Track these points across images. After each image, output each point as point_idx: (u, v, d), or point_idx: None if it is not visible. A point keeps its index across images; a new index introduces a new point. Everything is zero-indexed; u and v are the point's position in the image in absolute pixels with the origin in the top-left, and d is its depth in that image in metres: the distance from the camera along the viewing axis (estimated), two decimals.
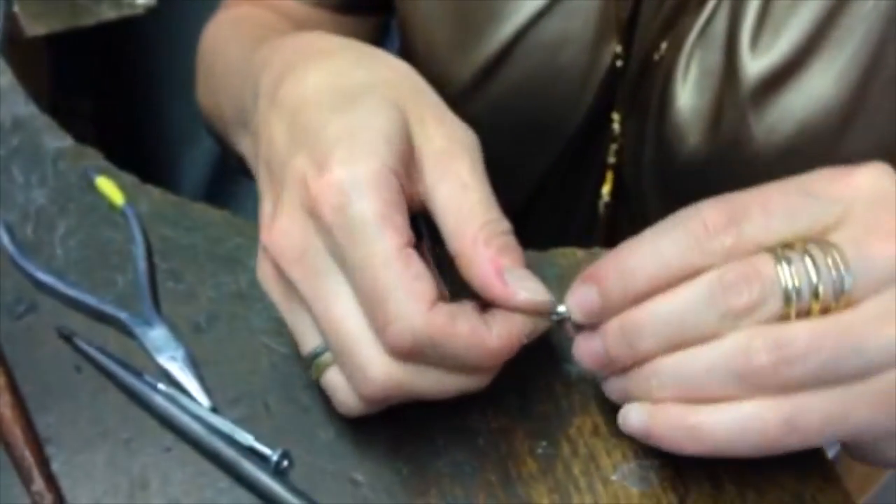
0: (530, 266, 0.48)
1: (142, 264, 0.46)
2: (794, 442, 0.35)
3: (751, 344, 0.34)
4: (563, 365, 0.44)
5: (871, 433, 0.36)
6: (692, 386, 0.35)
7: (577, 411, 0.43)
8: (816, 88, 0.49)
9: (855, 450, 0.40)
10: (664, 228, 0.36)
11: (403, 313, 0.35)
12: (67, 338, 0.44)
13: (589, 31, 0.53)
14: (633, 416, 0.37)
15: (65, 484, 0.40)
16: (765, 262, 0.34)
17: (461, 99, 0.57)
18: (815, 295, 0.34)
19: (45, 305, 0.46)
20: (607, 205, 0.60)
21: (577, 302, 0.38)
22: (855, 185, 0.35)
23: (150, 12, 0.66)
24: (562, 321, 0.39)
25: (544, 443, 0.42)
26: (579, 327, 0.39)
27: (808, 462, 0.41)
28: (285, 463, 0.41)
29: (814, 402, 0.34)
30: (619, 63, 0.54)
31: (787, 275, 0.34)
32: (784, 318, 0.34)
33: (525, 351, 0.45)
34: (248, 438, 0.41)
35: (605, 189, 0.60)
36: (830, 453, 0.79)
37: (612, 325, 0.37)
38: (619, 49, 0.54)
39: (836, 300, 0.34)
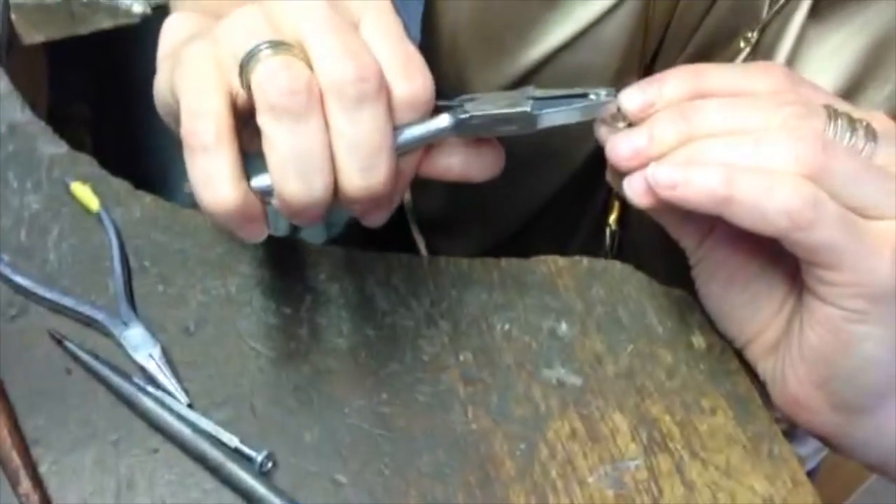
0: (513, 274, 0.49)
1: (117, 266, 0.47)
2: (811, 225, 0.36)
3: (808, 120, 0.38)
4: (542, 370, 0.45)
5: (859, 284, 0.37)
6: (742, 153, 0.37)
7: (556, 415, 0.44)
8: None
9: (843, 438, 0.42)
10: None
11: None
12: (59, 340, 0.45)
13: (611, 66, 0.54)
14: (665, 170, 0.38)
15: (53, 484, 0.41)
16: (818, 106, 0.39)
17: None
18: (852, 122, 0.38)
19: (37, 308, 0.46)
20: (614, 233, 0.61)
21: (636, 90, 0.40)
22: None
23: (146, 20, 0.67)
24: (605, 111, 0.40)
25: (523, 445, 0.43)
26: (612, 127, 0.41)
27: (779, 466, 0.42)
28: (269, 464, 0.42)
29: (835, 207, 0.37)
30: None
31: (833, 125, 0.38)
32: None
33: (506, 355, 0.46)
34: (233, 440, 0.42)
35: (612, 217, 0.61)
36: (813, 462, 0.81)
37: (666, 111, 0.39)
38: None
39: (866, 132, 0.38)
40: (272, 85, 0.35)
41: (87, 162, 0.53)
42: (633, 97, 0.40)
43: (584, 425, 0.44)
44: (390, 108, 0.37)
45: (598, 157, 0.58)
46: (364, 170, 0.37)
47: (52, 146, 0.54)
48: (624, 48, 0.53)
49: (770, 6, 0.49)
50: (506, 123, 0.39)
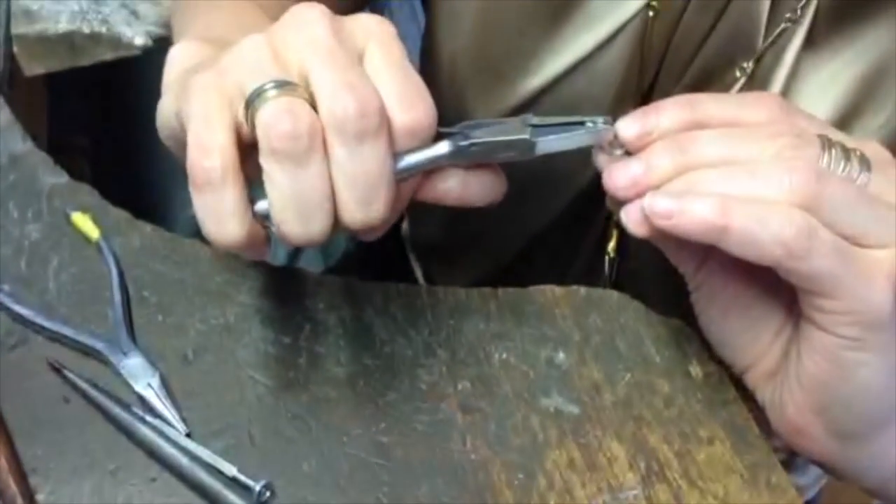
0: (511, 303, 0.49)
1: (117, 295, 0.48)
2: (805, 255, 0.37)
3: (802, 150, 0.38)
4: (540, 399, 0.45)
5: (853, 312, 0.38)
6: (737, 184, 0.38)
7: (554, 445, 0.44)
8: None
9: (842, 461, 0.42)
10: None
11: None
12: (58, 370, 0.45)
13: (609, 95, 0.54)
14: (661, 200, 0.38)
15: None
16: (812, 136, 0.39)
17: None
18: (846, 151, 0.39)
19: (36, 338, 0.47)
20: (612, 261, 0.62)
21: (634, 119, 0.40)
22: None
23: (147, 52, 0.67)
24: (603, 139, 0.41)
25: (521, 475, 0.43)
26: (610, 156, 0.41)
27: (777, 496, 0.42)
28: (268, 494, 0.42)
29: (830, 236, 0.37)
30: None
31: (827, 155, 0.39)
32: None
33: (504, 384, 0.46)
34: (231, 469, 0.42)
35: (611, 245, 0.61)
36: (813, 491, 0.80)
37: (663, 141, 0.40)
38: None
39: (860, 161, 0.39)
40: (275, 129, 0.36)
41: (87, 192, 0.53)
42: (630, 126, 0.40)
43: (582, 454, 0.44)
44: (391, 138, 0.37)
45: (596, 184, 0.58)
46: (363, 203, 0.37)
47: (53, 176, 0.54)
48: (620, 79, 0.54)
49: (765, 37, 0.49)
50: (505, 150, 0.40)
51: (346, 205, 0.37)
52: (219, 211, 0.37)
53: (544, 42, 0.54)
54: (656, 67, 0.54)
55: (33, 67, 0.66)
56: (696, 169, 0.39)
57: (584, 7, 0.53)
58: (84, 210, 0.51)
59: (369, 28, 0.39)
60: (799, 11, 0.48)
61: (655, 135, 0.40)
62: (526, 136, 0.39)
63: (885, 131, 0.49)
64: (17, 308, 0.47)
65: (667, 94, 0.54)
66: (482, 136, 0.39)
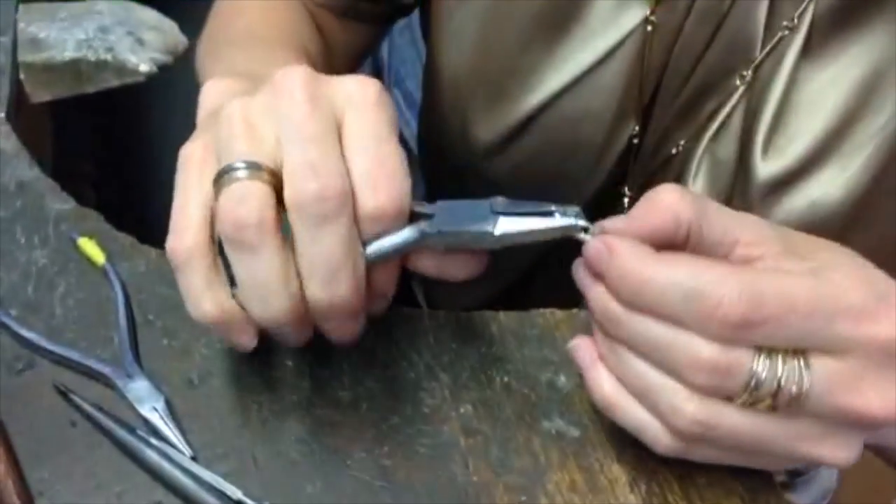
0: (512, 327, 0.50)
1: (122, 320, 0.48)
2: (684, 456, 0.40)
3: (684, 407, 0.38)
4: (542, 422, 0.46)
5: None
6: (633, 383, 0.40)
7: (555, 467, 0.44)
8: (823, 194, 0.51)
9: None
10: (686, 276, 0.37)
11: None
12: (64, 393, 0.45)
13: (610, 109, 0.55)
14: (585, 350, 0.41)
15: None
16: (744, 360, 0.36)
17: (483, 159, 0.59)
18: (773, 394, 0.37)
19: (44, 362, 0.47)
20: None
21: (593, 250, 0.40)
22: (873, 335, 0.36)
23: (151, 80, 0.68)
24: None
25: (524, 497, 0.43)
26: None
27: None
28: None
29: (707, 453, 0.40)
30: (635, 141, 0.57)
31: (759, 370, 0.36)
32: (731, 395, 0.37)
33: (506, 407, 0.47)
34: (236, 492, 0.42)
35: None
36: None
37: (603, 296, 0.40)
38: (636, 129, 0.56)
39: (786, 405, 0.37)
40: (226, 217, 0.36)
41: (93, 217, 0.54)
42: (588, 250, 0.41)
43: (584, 477, 0.44)
44: (357, 221, 0.38)
45: (599, 207, 0.59)
46: (326, 284, 0.37)
47: (60, 202, 0.55)
48: (621, 93, 0.55)
49: (763, 46, 0.50)
50: (469, 239, 0.41)
51: (309, 286, 0.38)
52: (190, 290, 0.39)
53: (545, 58, 0.55)
54: (657, 81, 0.54)
55: (40, 94, 0.67)
56: (629, 330, 0.39)
57: (583, 23, 0.54)
58: (90, 235, 0.52)
59: (350, 94, 0.39)
60: (796, 20, 0.49)
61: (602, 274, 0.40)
62: (489, 230, 0.40)
63: (885, 133, 0.49)
64: (24, 332, 0.47)
65: (668, 105, 0.55)
66: (449, 225, 0.40)
